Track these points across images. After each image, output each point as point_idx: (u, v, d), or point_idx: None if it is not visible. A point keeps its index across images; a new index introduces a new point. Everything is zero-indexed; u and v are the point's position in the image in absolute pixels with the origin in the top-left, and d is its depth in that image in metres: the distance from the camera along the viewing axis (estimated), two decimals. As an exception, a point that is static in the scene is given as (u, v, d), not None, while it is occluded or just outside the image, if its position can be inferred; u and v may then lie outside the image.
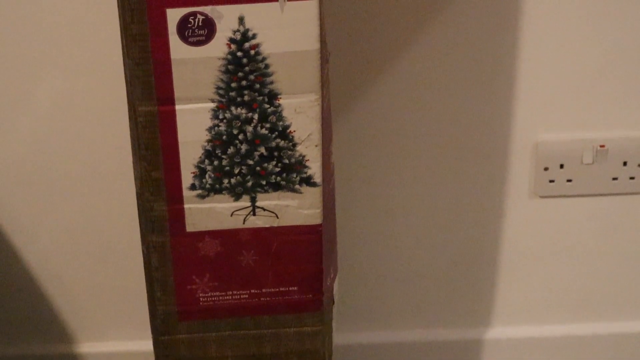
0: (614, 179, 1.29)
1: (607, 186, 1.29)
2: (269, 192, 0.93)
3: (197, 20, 0.85)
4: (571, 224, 1.33)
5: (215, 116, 0.89)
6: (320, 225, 0.95)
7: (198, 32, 0.85)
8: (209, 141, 0.90)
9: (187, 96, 0.88)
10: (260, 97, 0.88)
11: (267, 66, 0.87)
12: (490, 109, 1.25)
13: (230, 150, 0.90)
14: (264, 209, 0.94)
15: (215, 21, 0.85)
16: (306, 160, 0.92)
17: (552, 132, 1.26)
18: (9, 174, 1.28)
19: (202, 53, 0.86)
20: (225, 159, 0.91)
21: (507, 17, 1.19)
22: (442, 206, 1.31)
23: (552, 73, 1.23)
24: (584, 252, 1.35)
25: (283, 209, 0.94)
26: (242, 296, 0.97)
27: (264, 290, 0.97)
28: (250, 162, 0.91)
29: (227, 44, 0.86)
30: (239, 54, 0.86)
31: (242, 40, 0.86)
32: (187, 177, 0.91)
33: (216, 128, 0.89)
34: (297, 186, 0.93)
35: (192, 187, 0.92)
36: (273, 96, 0.88)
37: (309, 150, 0.91)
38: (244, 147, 0.90)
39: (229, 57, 0.86)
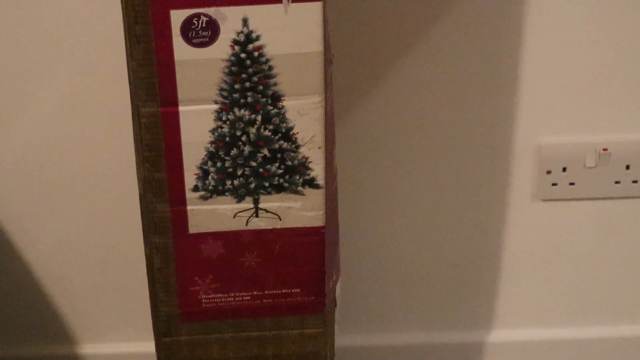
0: (617, 182, 1.29)
1: (609, 189, 1.29)
2: (271, 194, 0.93)
3: (200, 21, 0.85)
4: (573, 227, 1.33)
5: (218, 118, 0.89)
6: (322, 227, 0.95)
7: (202, 33, 0.85)
8: (212, 142, 0.90)
9: (191, 97, 0.88)
10: (264, 99, 0.88)
11: (270, 68, 0.87)
12: (492, 112, 1.25)
13: (233, 151, 0.90)
14: (267, 211, 0.94)
15: (219, 23, 0.85)
16: (309, 162, 0.92)
17: (555, 135, 1.26)
18: (11, 174, 1.28)
19: (206, 54, 0.86)
20: (228, 161, 0.91)
21: (510, 20, 1.19)
22: (445, 209, 1.31)
23: (555, 76, 1.22)
24: (586, 255, 1.35)
25: (286, 210, 0.94)
26: (244, 298, 0.97)
27: (266, 292, 0.97)
28: (253, 163, 0.91)
29: (231, 45, 0.86)
30: (243, 55, 0.86)
31: (246, 41, 0.86)
32: (190, 178, 0.91)
33: (219, 129, 0.89)
34: (300, 188, 0.93)
35: (195, 188, 0.92)
36: (276, 98, 0.88)
37: (312, 152, 0.91)
38: (247, 149, 0.90)
39: (233, 58, 0.86)
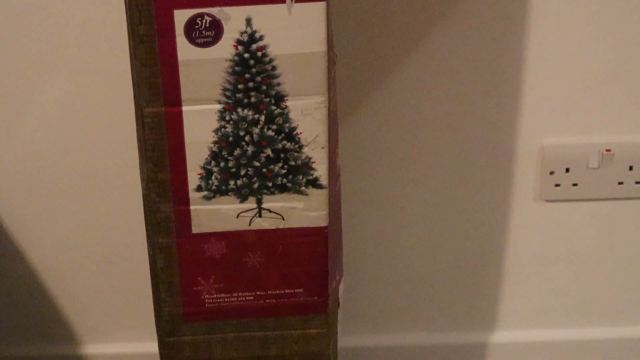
0: (620, 183, 1.29)
1: (612, 190, 1.29)
2: (275, 194, 0.93)
3: (204, 21, 0.85)
4: (576, 228, 1.33)
5: (221, 117, 0.89)
6: (326, 227, 0.95)
7: (205, 33, 0.85)
8: (215, 142, 0.90)
9: (194, 97, 0.88)
10: (267, 99, 0.88)
11: (274, 68, 0.87)
12: (496, 113, 1.25)
13: (237, 151, 0.90)
14: (270, 211, 0.94)
15: (223, 22, 0.85)
16: (312, 162, 0.92)
17: (558, 136, 1.26)
18: (15, 174, 1.28)
19: (209, 54, 0.86)
20: (232, 161, 0.91)
21: (514, 20, 1.19)
22: (448, 209, 1.31)
23: (559, 77, 1.22)
24: (589, 256, 1.35)
25: (289, 210, 0.94)
26: (247, 298, 0.97)
27: (269, 292, 0.97)
28: (257, 163, 0.91)
29: (234, 45, 0.86)
30: (246, 55, 0.86)
31: (250, 41, 0.86)
32: (193, 178, 0.91)
33: (223, 129, 0.89)
34: (303, 188, 0.93)
35: (199, 188, 0.92)
36: (280, 98, 0.88)
37: (315, 152, 0.91)
38: (250, 149, 0.90)
39: (236, 58, 0.86)
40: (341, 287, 1.03)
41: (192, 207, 0.93)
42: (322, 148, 0.91)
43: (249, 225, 0.94)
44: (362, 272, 1.35)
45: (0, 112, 1.24)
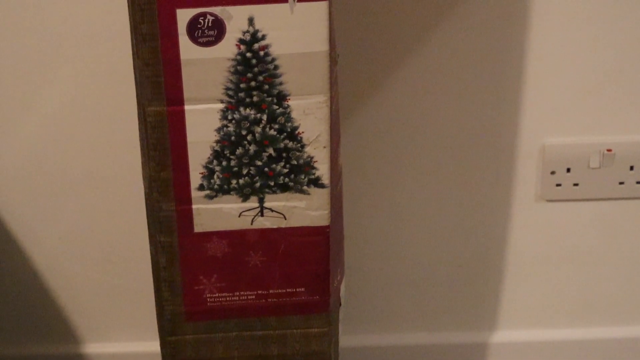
0: (621, 183, 1.29)
1: (613, 190, 1.29)
2: (277, 193, 0.93)
3: (207, 20, 0.85)
4: (577, 228, 1.33)
5: (224, 117, 0.89)
6: (327, 226, 0.95)
7: (208, 32, 0.85)
8: (217, 142, 0.90)
9: (196, 97, 0.88)
10: (269, 98, 0.88)
11: (276, 67, 0.87)
12: (497, 113, 1.25)
13: (239, 151, 0.90)
14: (272, 210, 0.94)
15: (225, 22, 0.85)
16: (314, 162, 0.92)
17: (559, 136, 1.26)
18: (16, 173, 1.28)
19: (212, 54, 0.86)
20: (234, 160, 0.91)
21: (515, 20, 1.19)
22: (449, 209, 1.31)
23: (560, 77, 1.23)
24: (590, 255, 1.35)
25: (291, 210, 0.94)
26: (249, 297, 0.98)
27: (271, 291, 0.98)
28: (259, 163, 0.91)
29: (237, 44, 0.86)
30: (249, 54, 0.86)
31: (252, 41, 0.86)
32: (195, 177, 0.92)
33: (225, 129, 0.89)
34: (305, 187, 0.93)
35: (201, 187, 0.92)
36: (282, 97, 0.88)
37: (317, 151, 0.91)
38: (252, 148, 0.90)
39: (239, 57, 0.87)
40: (342, 287, 1.03)
41: (194, 206, 0.93)
42: (324, 147, 0.91)
43: (251, 224, 0.94)
44: (363, 271, 1.35)
45: (2, 111, 1.24)
